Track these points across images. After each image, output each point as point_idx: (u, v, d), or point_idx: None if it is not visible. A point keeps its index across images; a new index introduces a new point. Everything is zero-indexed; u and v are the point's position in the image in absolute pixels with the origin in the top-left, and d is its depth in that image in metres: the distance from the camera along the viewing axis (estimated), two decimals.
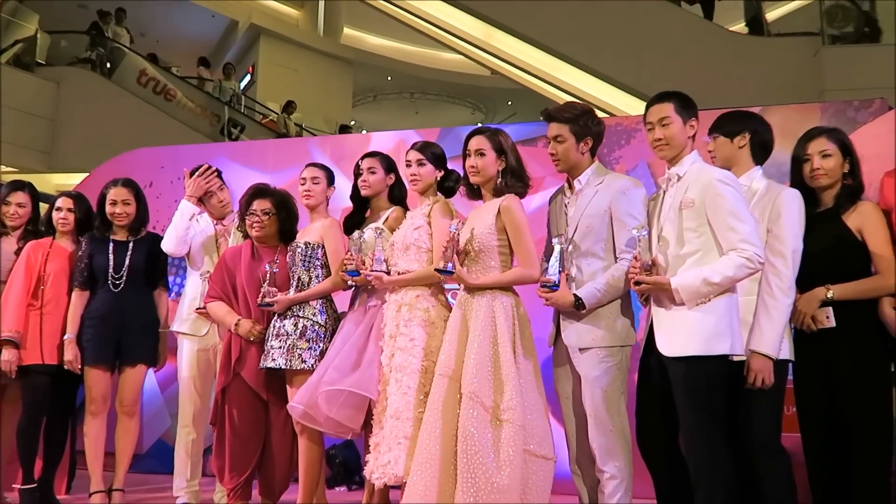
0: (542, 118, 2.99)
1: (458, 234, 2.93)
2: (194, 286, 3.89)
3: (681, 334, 2.56)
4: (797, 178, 2.93)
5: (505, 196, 2.96)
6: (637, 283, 2.62)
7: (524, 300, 2.99)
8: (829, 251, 2.78)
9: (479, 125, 3.61)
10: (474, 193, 3.12)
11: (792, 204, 2.71)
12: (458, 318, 2.94)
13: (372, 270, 3.14)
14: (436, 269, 2.93)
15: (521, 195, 3.01)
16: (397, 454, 2.88)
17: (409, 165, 3.25)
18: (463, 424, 2.73)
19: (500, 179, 2.99)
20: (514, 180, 2.98)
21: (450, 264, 2.87)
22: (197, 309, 3.80)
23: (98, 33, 11.24)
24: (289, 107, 12.93)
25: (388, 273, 3.15)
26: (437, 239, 3.10)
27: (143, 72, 10.97)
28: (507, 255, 2.96)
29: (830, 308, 2.76)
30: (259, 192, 3.61)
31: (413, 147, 3.27)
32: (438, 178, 3.26)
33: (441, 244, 2.96)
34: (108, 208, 3.86)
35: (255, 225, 3.54)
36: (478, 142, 3.02)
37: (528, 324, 2.95)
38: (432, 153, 3.25)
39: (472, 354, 2.81)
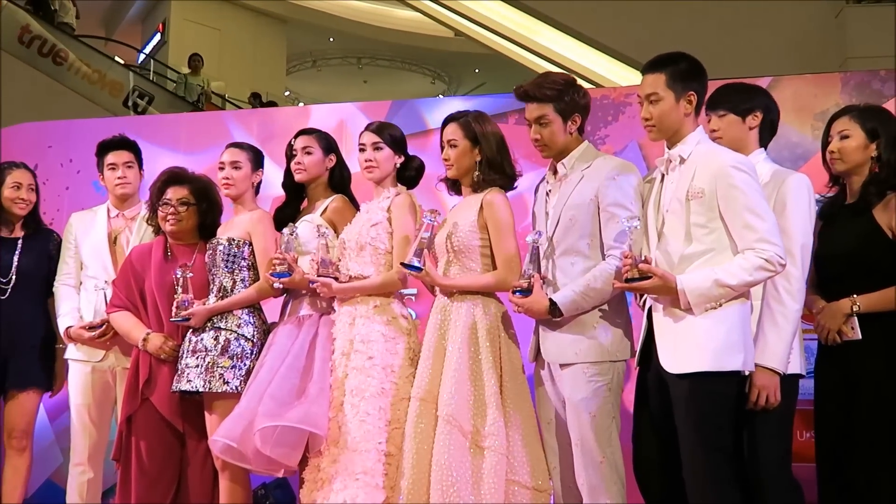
0: (516, 97, 3.00)
1: (435, 225, 2.98)
2: (87, 300, 3.79)
3: (687, 347, 2.59)
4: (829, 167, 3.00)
5: (488, 190, 3.03)
6: (629, 279, 2.61)
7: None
8: (854, 251, 2.82)
9: (441, 96, 3.64)
10: (455, 188, 3.19)
11: (799, 192, 2.75)
12: (434, 330, 3.01)
13: (318, 276, 3.14)
14: (401, 264, 2.98)
15: (507, 188, 3.08)
16: (354, 491, 2.90)
17: (362, 150, 3.27)
18: (437, 452, 2.81)
19: (476, 172, 3.05)
20: (493, 173, 3.05)
21: (416, 260, 2.92)
22: (89, 324, 3.69)
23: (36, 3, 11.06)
24: (195, 62, 12.45)
25: (337, 279, 3.16)
26: (399, 237, 3.14)
27: (26, 28, 10.73)
28: (490, 256, 3.03)
29: (856, 318, 2.80)
30: (174, 178, 3.57)
31: (368, 128, 3.30)
32: (398, 166, 3.29)
33: (402, 241, 3.01)
34: (6, 193, 3.82)
35: (169, 218, 3.51)
36: (450, 130, 3.10)
37: (513, 335, 3.02)
38: (390, 136, 3.27)
39: (451, 371, 2.89)
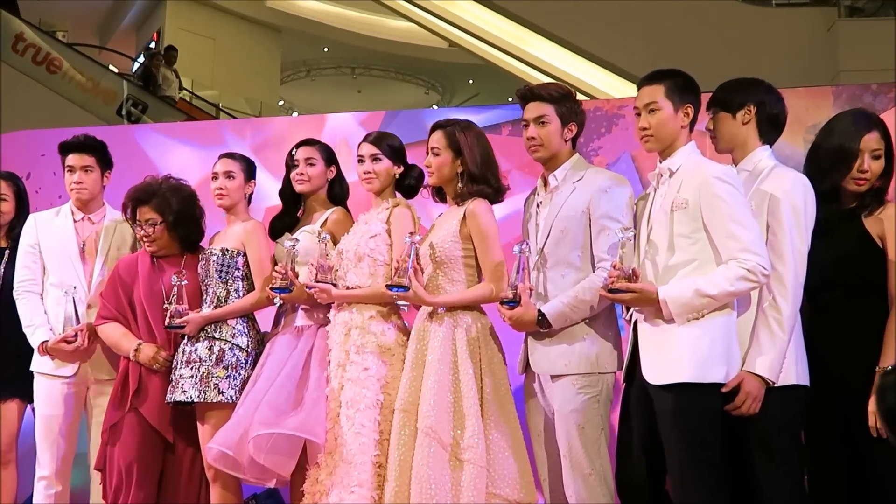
0: (518, 97, 3.02)
1: (418, 246, 2.97)
2: (55, 307, 3.63)
3: (670, 358, 2.58)
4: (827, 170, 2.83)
5: (472, 199, 3.02)
6: (613, 290, 2.61)
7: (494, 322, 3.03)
8: (847, 258, 2.78)
9: (434, 106, 3.65)
10: (440, 195, 3.19)
11: (795, 191, 2.69)
12: (415, 342, 3.00)
13: (316, 281, 3.13)
14: (387, 286, 2.95)
15: (493, 200, 3.06)
16: None
17: (361, 161, 3.26)
18: (417, 464, 2.80)
19: (459, 184, 3.05)
20: (476, 185, 3.02)
21: (404, 280, 2.90)
22: (64, 337, 3.54)
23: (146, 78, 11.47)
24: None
25: (336, 286, 3.16)
26: (397, 250, 3.12)
27: (20, 36, 10.73)
28: (475, 267, 3.03)
29: None
30: (138, 198, 3.51)
31: (366, 139, 3.29)
32: (397, 176, 3.28)
33: (398, 257, 2.99)
34: None
35: (144, 239, 3.52)
36: (435, 138, 3.09)
37: (497, 348, 3.00)
38: (389, 146, 3.26)
39: (430, 383, 2.87)
